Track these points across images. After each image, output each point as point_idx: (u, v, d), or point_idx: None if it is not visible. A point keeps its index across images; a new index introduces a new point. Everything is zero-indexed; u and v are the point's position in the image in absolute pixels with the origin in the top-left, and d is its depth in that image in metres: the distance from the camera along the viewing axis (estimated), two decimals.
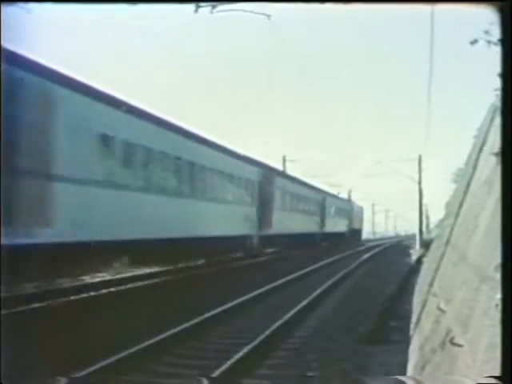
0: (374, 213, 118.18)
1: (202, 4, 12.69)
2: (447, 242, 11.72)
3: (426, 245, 38.39)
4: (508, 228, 4.05)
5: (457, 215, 11.34)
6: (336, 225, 54.00)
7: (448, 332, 5.70)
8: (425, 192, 55.34)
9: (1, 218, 11.62)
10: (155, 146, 19.47)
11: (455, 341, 5.09)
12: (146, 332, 10.95)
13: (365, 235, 76.97)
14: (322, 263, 30.75)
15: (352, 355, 10.28)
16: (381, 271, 28.90)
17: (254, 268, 27.80)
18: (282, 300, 17.04)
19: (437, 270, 11.67)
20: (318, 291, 18.14)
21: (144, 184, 18.80)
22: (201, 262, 26.27)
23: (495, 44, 7.24)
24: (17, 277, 13.15)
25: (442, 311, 6.98)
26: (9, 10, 12.44)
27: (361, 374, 8.96)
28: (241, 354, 9.81)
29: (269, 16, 14.32)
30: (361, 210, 70.91)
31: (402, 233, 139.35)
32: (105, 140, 16.62)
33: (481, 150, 9.89)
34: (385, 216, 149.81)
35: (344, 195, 64.72)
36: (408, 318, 12.11)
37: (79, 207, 15.24)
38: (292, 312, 14.04)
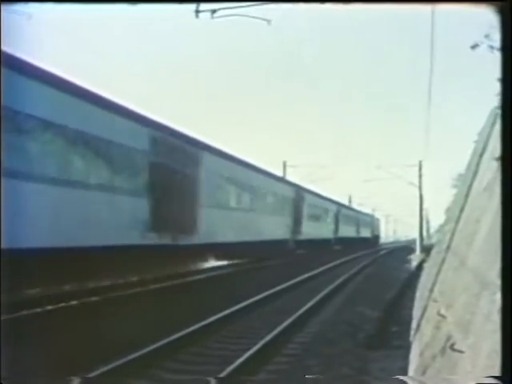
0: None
1: (202, 8, 12.70)
2: (448, 248, 11.70)
3: (427, 250, 38.37)
4: (508, 233, 4.02)
5: (457, 220, 11.31)
6: (365, 232, 75.86)
7: (448, 338, 5.66)
8: (425, 197, 55.42)
9: (1, 220, 11.60)
10: (251, 182, 30.25)
11: (456, 347, 5.06)
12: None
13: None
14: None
15: None
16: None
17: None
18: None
19: (437, 275, 11.64)
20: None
21: (240, 205, 28.65)
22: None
23: (497, 48, 7.23)
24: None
25: (443, 317, 6.94)
26: (9, 14, 12.46)
27: None
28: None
29: (269, 21, 14.34)
30: (378, 221, 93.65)
31: (403, 238, 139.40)
32: (236, 186, 28.00)
33: (482, 155, 9.87)
34: (385, 221, 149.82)
35: (366, 209, 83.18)
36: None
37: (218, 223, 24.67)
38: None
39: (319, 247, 45.58)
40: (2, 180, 13.07)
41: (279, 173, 46.26)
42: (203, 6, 12.53)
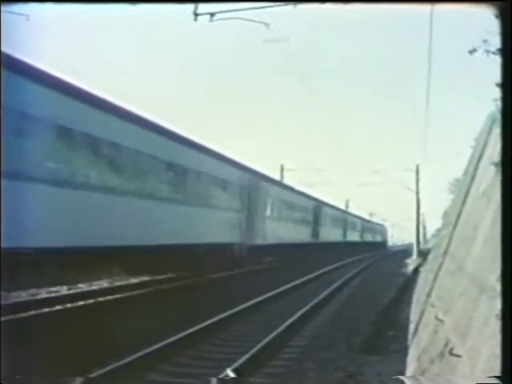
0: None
1: (200, 11, 12.72)
2: (445, 252, 11.72)
3: (424, 254, 38.39)
4: (508, 238, 4.04)
5: (455, 225, 11.34)
6: (378, 238, 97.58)
7: (447, 342, 5.68)
8: (422, 202, 55.48)
9: (1, 223, 11.58)
10: (287, 197, 39.28)
11: (454, 351, 5.07)
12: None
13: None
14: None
15: None
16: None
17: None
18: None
19: (435, 280, 11.65)
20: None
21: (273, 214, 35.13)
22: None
23: (494, 53, 7.25)
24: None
25: (441, 321, 6.96)
26: (8, 15, 12.46)
27: None
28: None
29: (267, 24, 14.37)
30: (386, 228, 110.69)
31: (399, 242, 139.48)
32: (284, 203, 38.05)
33: (479, 160, 9.89)
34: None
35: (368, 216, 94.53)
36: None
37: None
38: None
39: (361, 245, 73.35)
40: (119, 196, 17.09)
41: (276, 176, 46.61)
42: (201, 9, 12.56)
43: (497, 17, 4.54)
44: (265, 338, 11.24)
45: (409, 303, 16.20)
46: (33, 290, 16.66)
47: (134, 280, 21.00)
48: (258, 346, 10.57)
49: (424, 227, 73.29)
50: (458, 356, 4.78)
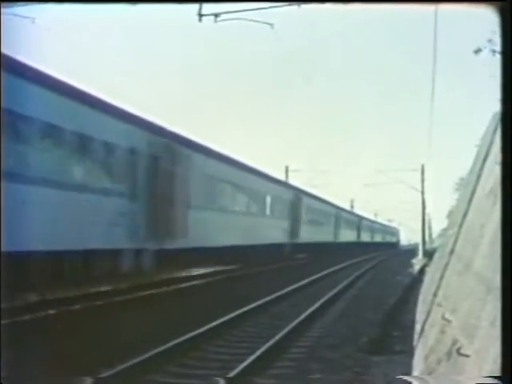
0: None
1: (204, 12, 12.73)
2: (451, 252, 11.69)
3: (429, 254, 38.31)
4: (509, 238, 4.03)
5: (461, 225, 11.31)
6: (394, 239, 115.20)
7: (454, 342, 5.66)
8: (427, 201, 55.41)
9: (1, 226, 11.58)
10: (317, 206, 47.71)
11: (462, 351, 5.06)
12: None
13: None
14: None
15: None
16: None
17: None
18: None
19: (441, 279, 11.63)
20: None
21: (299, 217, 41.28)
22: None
23: (499, 52, 7.24)
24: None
25: (448, 321, 6.94)
26: (10, 17, 12.46)
27: None
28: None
29: (271, 25, 14.37)
30: (399, 231, 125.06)
31: (405, 242, 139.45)
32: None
33: (485, 159, 9.87)
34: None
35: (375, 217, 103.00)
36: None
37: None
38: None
39: (382, 245, 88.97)
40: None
41: (281, 176, 46.73)
42: (206, 10, 12.57)
43: (497, 17, 4.53)
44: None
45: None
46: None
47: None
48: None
49: (430, 227, 73.26)
50: (466, 356, 4.77)
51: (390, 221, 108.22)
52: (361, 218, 74.93)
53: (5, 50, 12.03)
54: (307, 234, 41.88)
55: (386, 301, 19.11)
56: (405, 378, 3.62)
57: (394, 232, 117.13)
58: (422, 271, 30.55)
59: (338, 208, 58.91)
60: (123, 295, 17.03)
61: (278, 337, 11.66)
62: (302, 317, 14.46)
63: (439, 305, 9.12)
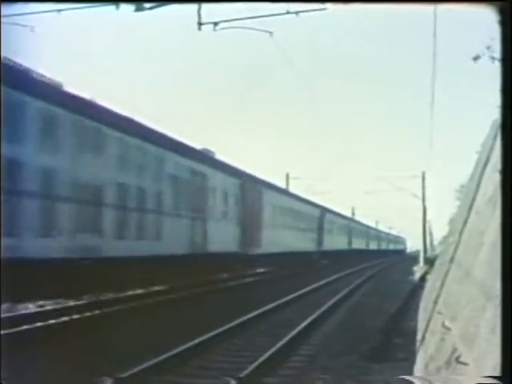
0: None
1: (204, 21, 12.74)
2: (452, 260, 11.66)
3: (430, 262, 38.22)
4: (508, 245, 4.00)
5: (461, 232, 11.28)
6: (401, 247, 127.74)
7: (453, 350, 5.63)
8: (428, 208, 55.38)
9: (1, 231, 11.58)
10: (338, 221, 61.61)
11: (461, 359, 5.03)
12: None
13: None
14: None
15: None
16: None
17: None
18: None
19: (441, 287, 11.59)
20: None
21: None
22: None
23: (498, 59, 7.24)
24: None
25: (448, 329, 6.91)
26: (11, 20, 12.46)
27: None
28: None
29: (271, 33, 14.38)
30: (406, 240, 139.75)
31: (407, 249, 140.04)
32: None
33: (485, 165, 9.85)
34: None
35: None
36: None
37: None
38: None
39: (393, 252, 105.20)
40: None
41: (282, 184, 47.08)
42: (205, 19, 12.57)
43: (497, 17, 4.51)
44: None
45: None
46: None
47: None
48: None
49: (431, 234, 73.34)
50: (465, 364, 4.73)
51: (390, 228, 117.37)
52: (380, 231, 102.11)
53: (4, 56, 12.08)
54: (328, 244, 53.33)
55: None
56: (405, 378, 3.60)
57: (402, 241, 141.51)
58: (422, 279, 30.46)
59: (368, 227, 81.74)
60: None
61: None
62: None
63: (439, 312, 9.09)
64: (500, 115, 4.68)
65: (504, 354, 3.61)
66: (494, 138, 9.40)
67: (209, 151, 27.90)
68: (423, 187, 53.85)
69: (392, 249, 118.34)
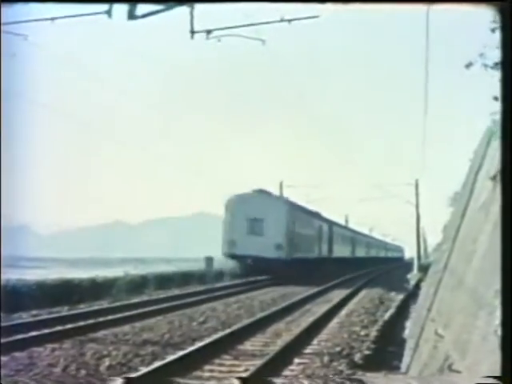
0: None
1: (197, 29, 12.75)
2: (445, 267, 11.66)
3: (425, 269, 38.20)
4: (507, 253, 4.00)
5: (454, 239, 11.28)
6: (400, 255, 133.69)
7: (446, 358, 5.62)
8: (422, 216, 55.50)
9: (1, 238, 11.56)
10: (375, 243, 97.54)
11: (454, 367, 5.02)
12: None
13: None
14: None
15: None
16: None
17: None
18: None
19: (435, 294, 11.59)
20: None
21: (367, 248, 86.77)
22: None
23: (490, 67, 7.24)
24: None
25: (441, 337, 6.90)
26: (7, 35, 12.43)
27: None
28: None
29: (263, 41, 14.41)
30: (404, 248, 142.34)
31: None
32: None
33: (477, 173, 9.86)
34: None
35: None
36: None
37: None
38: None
39: (392, 259, 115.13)
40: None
41: (276, 192, 46.95)
42: (198, 27, 12.58)
43: (497, 16, 4.52)
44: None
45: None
46: None
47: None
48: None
49: (425, 241, 73.63)
50: (458, 372, 4.73)
51: (384, 235, 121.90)
52: (385, 243, 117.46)
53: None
54: (361, 253, 77.48)
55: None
56: (405, 378, 3.58)
57: (400, 249, 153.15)
58: (416, 287, 30.45)
59: (381, 240, 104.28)
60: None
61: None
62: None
63: (433, 320, 9.08)
64: (500, 115, 4.67)
65: (504, 354, 3.60)
66: (486, 146, 9.42)
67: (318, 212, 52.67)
68: (417, 194, 53.97)
69: (391, 256, 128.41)
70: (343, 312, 19.53)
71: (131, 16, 11.20)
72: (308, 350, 12.21)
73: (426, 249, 74.48)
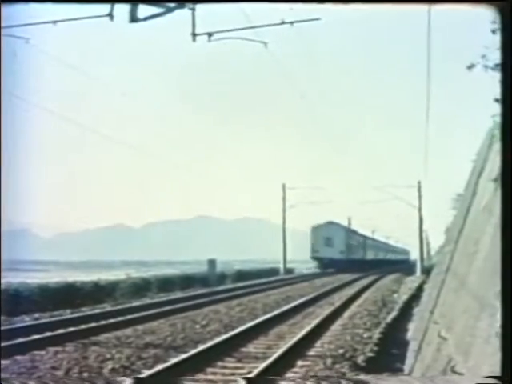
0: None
1: (198, 32, 12.75)
2: (448, 269, 11.65)
3: (427, 271, 38.11)
4: (507, 254, 3.99)
5: (457, 241, 11.27)
6: (406, 257, 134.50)
7: (449, 360, 5.61)
8: (425, 218, 55.52)
9: (1, 241, 11.56)
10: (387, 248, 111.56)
11: (456, 369, 5.01)
12: None
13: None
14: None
15: None
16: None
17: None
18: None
19: (437, 297, 11.57)
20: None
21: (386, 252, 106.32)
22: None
23: (491, 68, 7.22)
24: None
25: (443, 339, 6.89)
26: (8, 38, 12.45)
27: None
28: None
29: (265, 43, 14.41)
30: (409, 251, 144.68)
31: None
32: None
33: (479, 175, 9.85)
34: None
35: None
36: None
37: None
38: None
39: (401, 261, 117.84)
40: None
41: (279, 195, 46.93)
42: (199, 30, 12.57)
43: (497, 17, 4.51)
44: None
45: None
46: None
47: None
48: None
49: (427, 243, 73.86)
50: (460, 374, 4.71)
51: (387, 238, 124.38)
52: (394, 246, 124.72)
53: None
54: (381, 256, 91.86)
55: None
56: (405, 378, 3.59)
57: (406, 252, 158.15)
58: (419, 289, 30.39)
59: (392, 245, 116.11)
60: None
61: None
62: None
63: (435, 322, 9.07)
64: (500, 117, 4.66)
65: (504, 354, 3.59)
66: (488, 148, 9.41)
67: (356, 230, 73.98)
68: (419, 197, 53.96)
69: (400, 258, 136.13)
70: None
71: (133, 19, 11.20)
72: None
73: (429, 251, 74.57)
